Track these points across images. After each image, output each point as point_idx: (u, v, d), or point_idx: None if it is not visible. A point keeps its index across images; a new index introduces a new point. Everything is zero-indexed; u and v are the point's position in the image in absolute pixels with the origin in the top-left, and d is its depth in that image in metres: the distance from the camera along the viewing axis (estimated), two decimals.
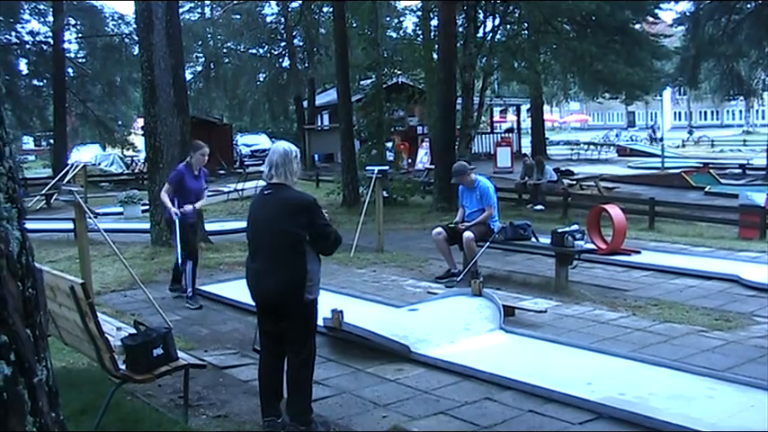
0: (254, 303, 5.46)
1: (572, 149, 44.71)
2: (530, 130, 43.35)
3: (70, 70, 35.71)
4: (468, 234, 10.24)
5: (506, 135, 39.61)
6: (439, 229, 10.71)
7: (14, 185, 2.39)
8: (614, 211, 11.96)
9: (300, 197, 5.25)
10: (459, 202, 11.02)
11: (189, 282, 9.38)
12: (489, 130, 42.51)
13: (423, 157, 32.46)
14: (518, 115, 45.28)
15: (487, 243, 10.30)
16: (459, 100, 21.19)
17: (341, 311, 7.28)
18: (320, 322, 7.41)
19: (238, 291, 9.12)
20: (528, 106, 44.35)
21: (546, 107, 52.63)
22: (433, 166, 23.18)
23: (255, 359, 6.93)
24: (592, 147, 44.67)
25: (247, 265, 5.37)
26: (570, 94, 49.70)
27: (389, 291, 9.94)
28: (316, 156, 40.47)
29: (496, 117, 49.78)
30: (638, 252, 11.92)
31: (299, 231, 5.07)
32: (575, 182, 22.84)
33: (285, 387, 5.34)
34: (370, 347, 7.07)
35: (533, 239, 10.60)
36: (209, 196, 22.28)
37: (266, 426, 5.30)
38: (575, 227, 10.15)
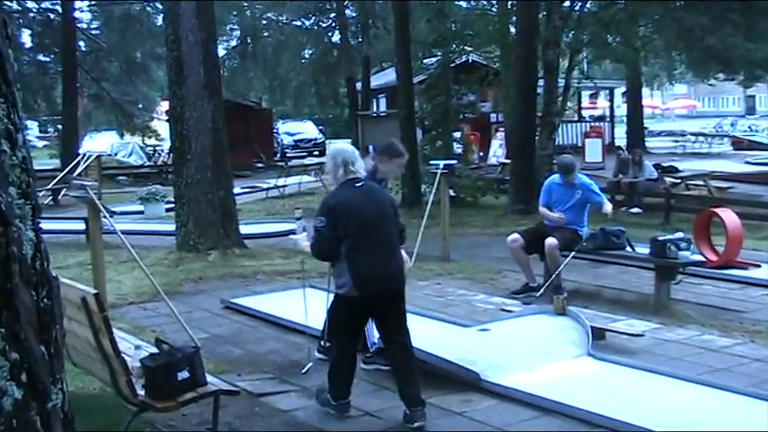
0: (366, 295, 6.18)
1: (676, 141, 44.09)
2: (625, 119, 42.93)
3: (82, 44, 36.08)
4: (551, 241, 10.20)
5: (597, 124, 39.26)
6: (515, 236, 10.68)
7: (28, 179, 2.43)
8: (728, 215, 11.79)
9: (385, 189, 6.81)
10: (542, 200, 10.92)
11: (368, 331, 7.79)
12: (576, 118, 42.11)
13: (496, 150, 32.33)
14: (611, 100, 44.85)
15: (573, 252, 10.25)
16: (541, 82, 21.05)
17: None
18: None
19: (278, 305, 9.22)
20: (623, 90, 43.90)
21: (645, 91, 52.12)
22: (508, 161, 23.06)
23: (297, 385, 7.02)
24: (701, 138, 44.00)
25: (359, 258, 6.14)
26: (675, 75, 49.15)
27: (456, 307, 9.94)
28: (370, 147, 40.49)
29: (585, 102, 49.33)
30: (758, 266, 11.73)
31: (396, 218, 6.47)
32: (679, 180, 22.51)
33: (400, 376, 6.34)
34: (433, 374, 7.07)
35: (628, 249, 10.51)
36: (242, 193, 22.58)
37: (345, 406, 6.36)
38: (679, 234, 10.03)
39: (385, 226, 6.28)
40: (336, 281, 6.45)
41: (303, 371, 7.61)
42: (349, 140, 43.55)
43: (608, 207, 10.59)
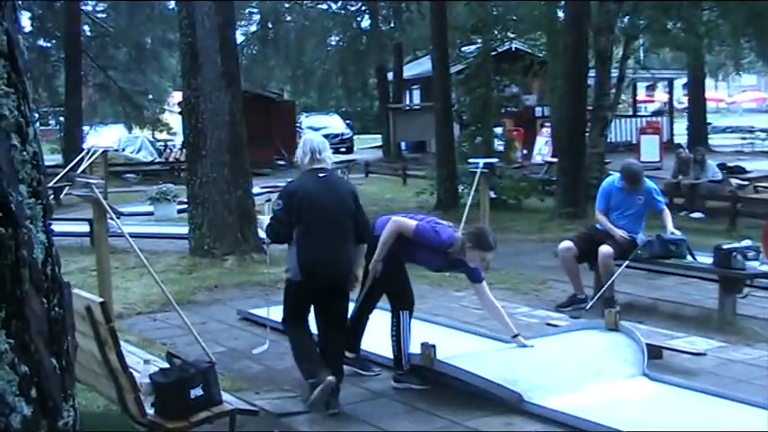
0: (309, 281, 7.07)
1: (744, 138, 43.82)
2: (686, 113, 42.71)
3: (86, 28, 36.25)
4: (606, 249, 10.15)
5: (654, 119, 39.11)
6: (569, 244, 10.62)
7: (39, 176, 2.45)
8: None
9: (350, 182, 7.58)
10: (599, 205, 10.87)
11: (407, 346, 7.72)
12: (631, 113, 42.00)
13: (542, 148, 32.32)
14: (670, 93, 44.65)
15: (626, 261, 10.21)
16: (592, 72, 21.01)
17: (433, 346, 7.32)
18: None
19: None
20: (684, 81, 43.69)
21: (709, 82, 51.78)
22: (554, 160, 23.01)
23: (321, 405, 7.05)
24: None
25: (306, 244, 7.01)
26: (743, 65, 48.74)
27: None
28: (402, 144, 40.58)
29: (641, 95, 49.18)
30: None
31: (356, 211, 7.21)
32: (747, 182, 22.35)
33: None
34: (470, 394, 7.10)
35: (689, 258, 10.47)
36: (262, 193, 22.67)
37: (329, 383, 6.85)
38: (746, 242, 9.96)
39: (340, 217, 7.09)
40: (286, 264, 7.38)
41: (256, 351, 8.36)
42: (380, 136, 43.62)
43: (669, 221, 10.46)
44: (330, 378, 6.79)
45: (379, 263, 7.70)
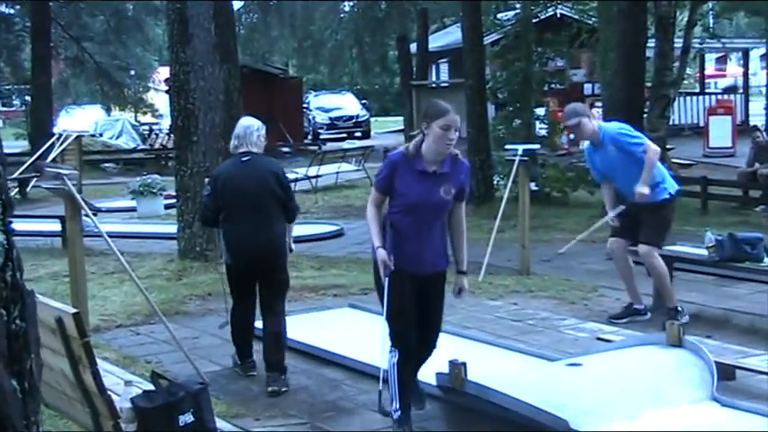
0: (238, 263, 8.40)
1: None
2: (764, 89, 42.56)
3: None
4: (644, 249, 10.04)
5: (725, 97, 38.98)
6: (617, 237, 10.60)
7: None
8: None
9: (277, 163, 9.24)
10: (593, 175, 10.92)
11: (394, 392, 6.93)
12: (698, 90, 41.85)
13: None
14: (746, 67, 44.45)
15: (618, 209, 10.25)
16: (651, 42, 20.96)
17: (463, 364, 7.29)
18: (431, 379, 7.51)
19: (308, 329, 9.27)
20: (762, 52, 43.55)
21: None
22: None
23: None
24: None
25: (230, 228, 8.34)
26: None
27: (538, 334, 9.94)
28: None
29: (710, 69, 49.01)
30: None
31: (281, 192, 8.36)
32: None
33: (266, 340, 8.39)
34: (508, 421, 7.09)
35: (767, 261, 10.44)
36: None
37: (249, 365, 8.62)
38: None
39: (261, 199, 8.24)
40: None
41: (220, 326, 9.27)
42: (401, 118, 43.60)
43: (650, 157, 9.93)
44: (274, 388, 8.10)
45: (379, 249, 6.86)
